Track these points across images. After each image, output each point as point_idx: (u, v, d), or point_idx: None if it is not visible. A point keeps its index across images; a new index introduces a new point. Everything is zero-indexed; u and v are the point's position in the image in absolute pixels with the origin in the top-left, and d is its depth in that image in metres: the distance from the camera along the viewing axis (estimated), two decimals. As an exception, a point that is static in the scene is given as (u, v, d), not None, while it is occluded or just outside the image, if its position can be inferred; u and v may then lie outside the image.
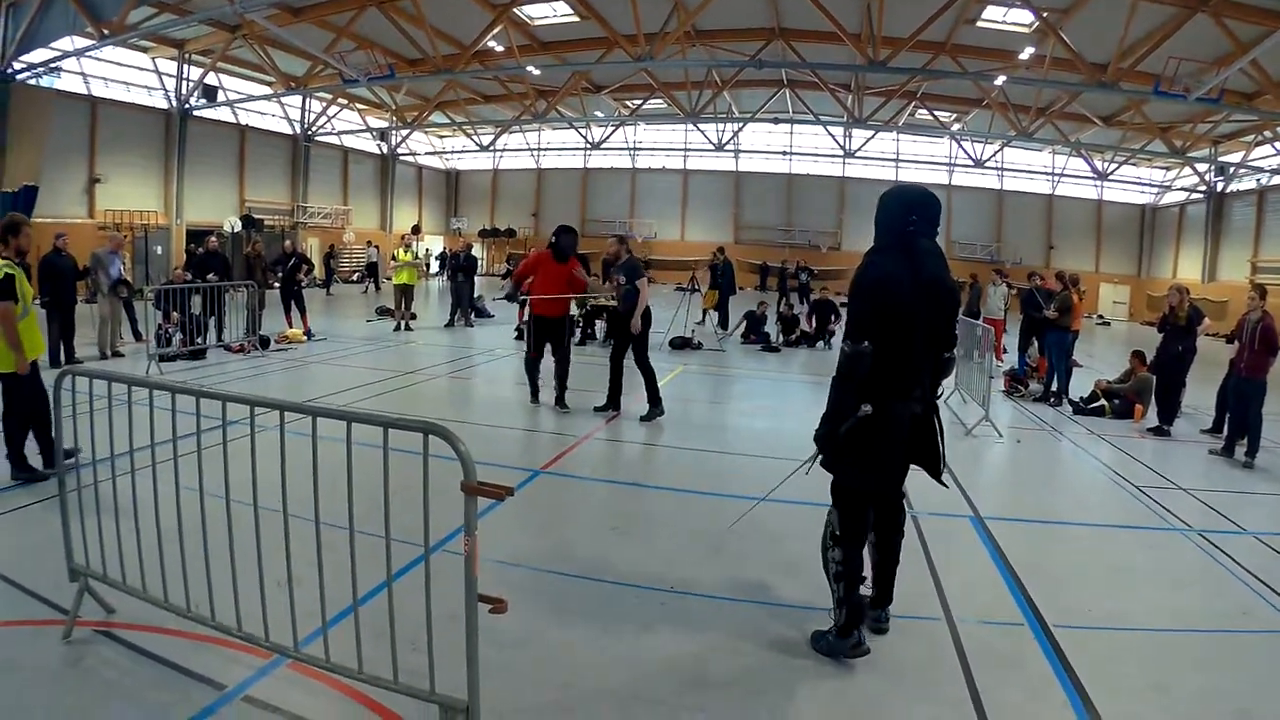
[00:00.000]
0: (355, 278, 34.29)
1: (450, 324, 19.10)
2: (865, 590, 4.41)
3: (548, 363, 10.19)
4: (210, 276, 14.53)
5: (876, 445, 4.09)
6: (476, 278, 21.41)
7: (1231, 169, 31.84)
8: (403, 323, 18.00)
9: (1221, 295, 29.13)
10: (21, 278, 6.43)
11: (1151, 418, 11.14)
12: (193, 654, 3.83)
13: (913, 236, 4.13)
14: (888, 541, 4.43)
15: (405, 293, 18.16)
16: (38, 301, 7.00)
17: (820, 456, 4.22)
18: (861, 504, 4.23)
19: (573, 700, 3.70)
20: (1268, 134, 28.26)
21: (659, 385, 9.94)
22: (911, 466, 4.37)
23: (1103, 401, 11.73)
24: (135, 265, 23.85)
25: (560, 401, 10.13)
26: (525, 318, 10.63)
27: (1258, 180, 31.00)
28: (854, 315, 4.18)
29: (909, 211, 4.15)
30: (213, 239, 15.54)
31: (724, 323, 20.16)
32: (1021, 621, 4.70)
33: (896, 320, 4.00)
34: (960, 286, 16.51)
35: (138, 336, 14.27)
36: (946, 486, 4.75)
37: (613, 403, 10.05)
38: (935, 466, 4.36)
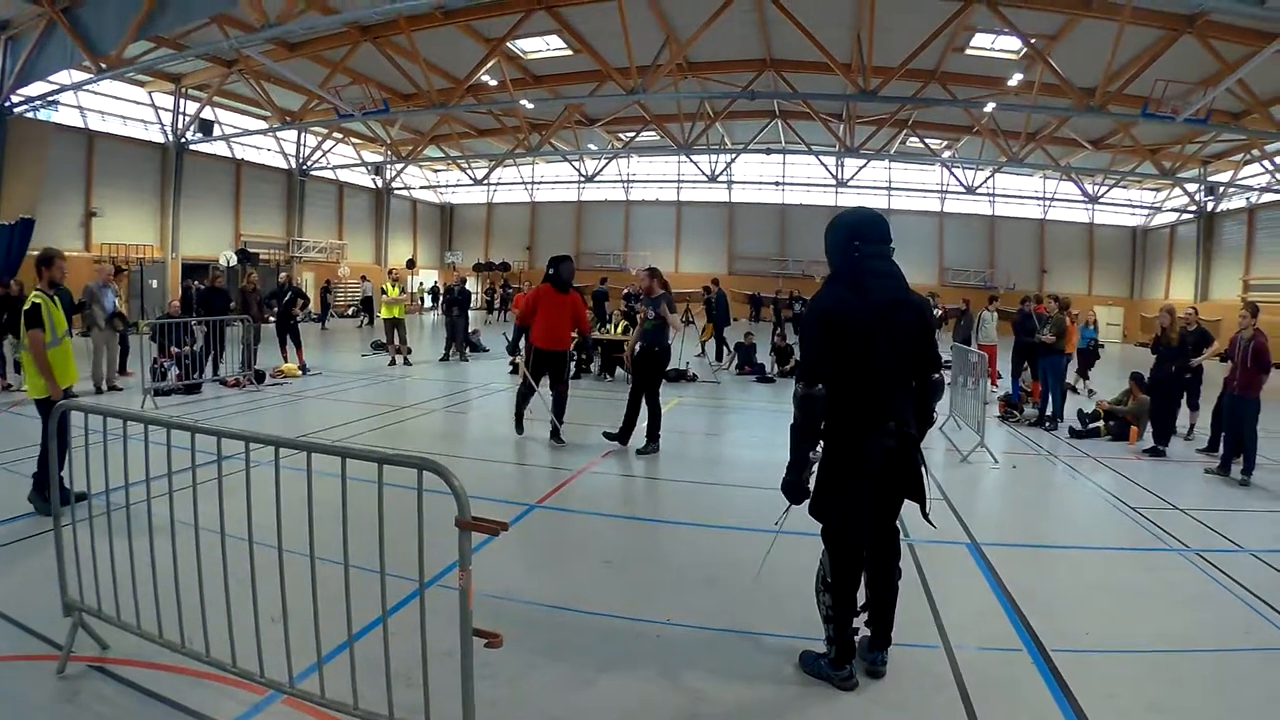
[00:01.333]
0: (350, 312, 34.35)
1: (445, 358, 19.09)
2: (861, 623, 4.33)
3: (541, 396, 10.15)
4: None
5: (847, 486, 4.00)
6: (471, 311, 21.44)
7: (1221, 188, 32.07)
8: (399, 357, 17.91)
9: (1214, 314, 29.15)
10: (53, 308, 6.57)
11: (1147, 439, 11.14)
12: (187, 690, 3.81)
13: (860, 262, 4.05)
14: (880, 583, 4.28)
15: (396, 326, 18.14)
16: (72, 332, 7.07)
17: (804, 503, 4.11)
18: (849, 547, 4.13)
19: (570, 733, 3.67)
20: (1256, 152, 28.48)
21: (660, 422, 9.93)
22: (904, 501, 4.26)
23: (1100, 423, 11.75)
24: (130, 299, 23.88)
25: (556, 435, 10.03)
26: (519, 354, 10.38)
27: (1247, 199, 31.22)
28: (803, 352, 4.16)
29: (851, 238, 4.09)
30: (219, 276, 15.53)
31: (719, 354, 20.17)
32: (1020, 647, 4.68)
33: (847, 352, 3.92)
34: (952, 313, 16.65)
35: (123, 370, 14.16)
36: (935, 526, 4.58)
37: (623, 436, 9.86)
38: (920, 504, 4.20)
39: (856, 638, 4.25)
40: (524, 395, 10.25)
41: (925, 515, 4.24)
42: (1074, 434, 11.83)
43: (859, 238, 4.08)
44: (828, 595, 4.16)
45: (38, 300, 6.47)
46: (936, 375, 4.25)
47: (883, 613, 4.29)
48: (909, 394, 4.13)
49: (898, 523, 4.32)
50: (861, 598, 4.28)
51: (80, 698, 3.78)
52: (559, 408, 10.06)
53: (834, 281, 4.13)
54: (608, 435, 9.96)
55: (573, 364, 16.46)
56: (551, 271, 9.99)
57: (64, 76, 21.63)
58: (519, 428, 10.27)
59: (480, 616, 3.12)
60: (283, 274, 18.73)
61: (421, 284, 40.72)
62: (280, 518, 3.38)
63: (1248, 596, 5.59)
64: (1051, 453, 10.82)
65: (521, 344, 10.19)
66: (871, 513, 4.05)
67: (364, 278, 34.20)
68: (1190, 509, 7.99)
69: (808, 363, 4.04)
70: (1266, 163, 28.18)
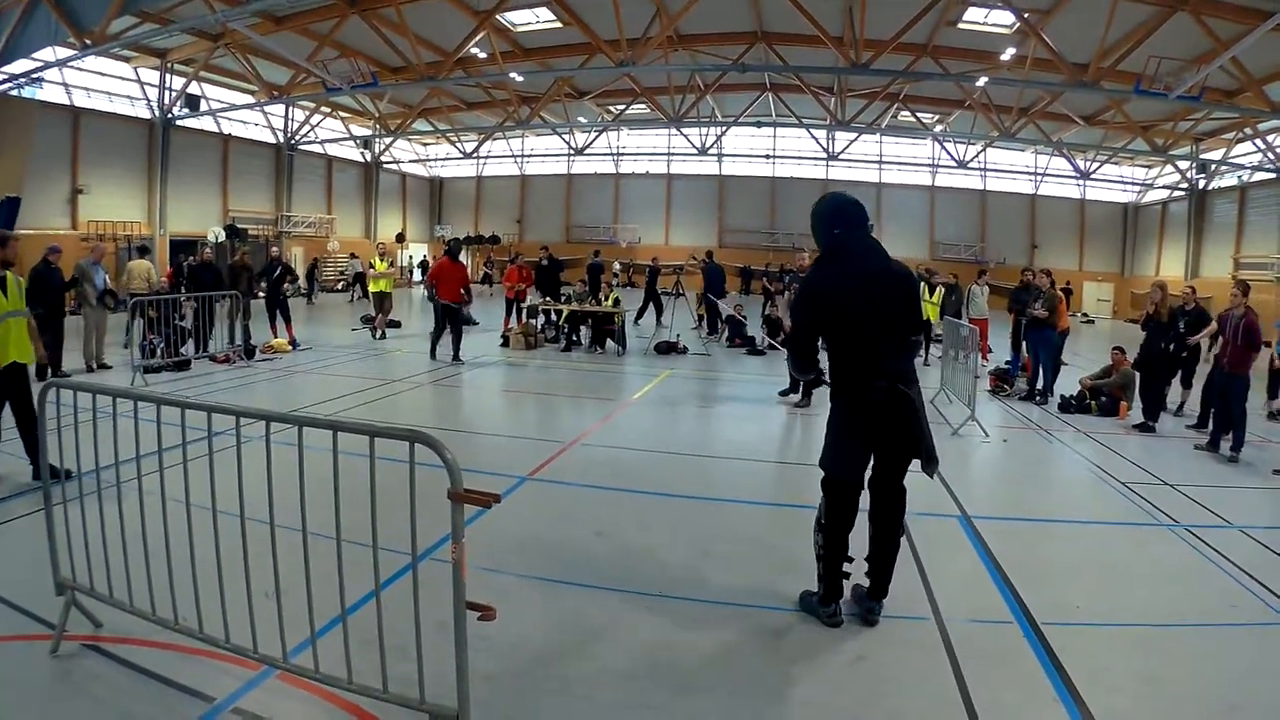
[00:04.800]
0: (340, 286, 34.18)
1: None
2: (861, 573, 4.61)
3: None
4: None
5: (842, 438, 4.42)
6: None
7: (1213, 166, 31.99)
8: (382, 330, 18.05)
9: (1205, 292, 29.12)
10: (11, 284, 6.49)
11: (1137, 414, 11.19)
12: (181, 666, 3.81)
13: (842, 241, 4.49)
14: (882, 534, 4.55)
15: (383, 300, 18.29)
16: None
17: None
18: (840, 493, 4.46)
19: (562, 706, 3.69)
20: (1248, 131, 28.36)
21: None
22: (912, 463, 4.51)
23: (1090, 401, 11.78)
24: (119, 276, 23.72)
25: (455, 358, 14.33)
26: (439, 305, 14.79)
27: (1239, 177, 31.19)
28: (793, 321, 4.75)
29: (831, 224, 4.52)
30: (208, 250, 15.46)
31: (712, 327, 20.13)
32: (1010, 619, 4.72)
33: (834, 320, 4.43)
34: (939, 283, 16.72)
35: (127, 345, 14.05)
36: (930, 476, 4.65)
37: (805, 393, 11.56)
38: (916, 454, 4.45)
39: (848, 581, 4.58)
40: (438, 334, 14.73)
41: (924, 468, 4.48)
42: (1063, 408, 11.87)
43: (838, 225, 4.51)
44: (820, 535, 4.52)
45: None
46: (915, 337, 4.62)
47: (882, 564, 4.59)
48: (902, 352, 4.49)
49: (904, 484, 4.59)
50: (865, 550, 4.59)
51: (74, 676, 3.77)
52: (457, 340, 14.56)
53: (820, 264, 4.63)
54: (796, 403, 11.51)
55: (563, 337, 16.79)
56: (448, 250, 15.34)
57: (48, 53, 21.34)
58: (433, 355, 14.59)
59: (473, 589, 3.12)
60: (274, 249, 18.53)
61: (410, 257, 40.55)
62: (272, 493, 3.36)
63: (1235, 571, 5.64)
64: (1042, 427, 10.86)
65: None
66: (865, 461, 4.48)
67: (353, 255, 34.00)
68: (1179, 484, 8.04)
69: (795, 326, 4.82)
70: (1259, 141, 28.04)
